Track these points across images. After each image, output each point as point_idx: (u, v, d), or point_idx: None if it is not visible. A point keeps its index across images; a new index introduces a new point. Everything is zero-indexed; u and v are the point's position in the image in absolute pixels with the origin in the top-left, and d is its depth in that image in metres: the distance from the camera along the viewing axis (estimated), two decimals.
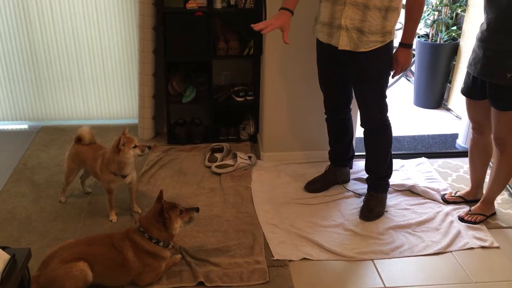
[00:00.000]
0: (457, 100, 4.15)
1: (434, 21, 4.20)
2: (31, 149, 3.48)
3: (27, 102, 3.77)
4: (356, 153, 3.15)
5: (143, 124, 3.61)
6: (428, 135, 3.80)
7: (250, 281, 2.27)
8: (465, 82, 2.61)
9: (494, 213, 2.78)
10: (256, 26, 2.32)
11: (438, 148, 3.62)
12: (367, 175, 2.87)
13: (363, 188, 2.99)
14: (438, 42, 4.18)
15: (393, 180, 2.95)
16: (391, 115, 2.70)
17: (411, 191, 3.01)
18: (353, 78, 2.61)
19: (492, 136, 2.59)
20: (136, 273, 2.20)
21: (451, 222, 2.72)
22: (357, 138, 3.27)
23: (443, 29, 4.17)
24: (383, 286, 2.29)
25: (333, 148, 3.04)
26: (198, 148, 3.51)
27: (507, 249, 2.54)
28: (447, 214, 2.78)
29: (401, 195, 2.98)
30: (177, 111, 3.67)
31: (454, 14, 4.19)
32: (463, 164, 3.32)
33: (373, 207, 2.77)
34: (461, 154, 3.44)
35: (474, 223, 2.70)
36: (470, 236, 2.61)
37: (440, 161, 3.39)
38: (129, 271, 2.18)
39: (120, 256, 2.16)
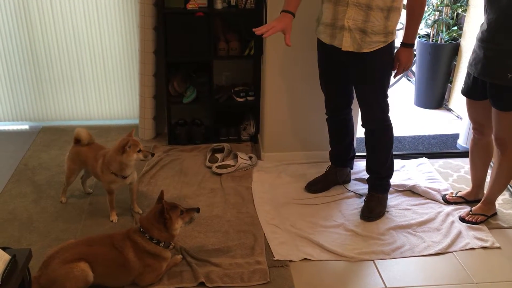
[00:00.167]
0: (458, 100, 4.14)
1: (435, 21, 4.20)
2: (32, 149, 3.49)
3: (28, 102, 3.77)
4: (357, 154, 3.15)
5: (144, 125, 3.61)
6: (429, 135, 3.80)
7: (250, 282, 2.27)
8: (466, 83, 2.61)
9: (495, 214, 2.78)
10: (258, 30, 2.32)
11: (439, 148, 3.62)
12: (368, 176, 2.87)
13: (364, 188, 2.99)
14: (439, 42, 4.18)
15: (394, 180, 2.95)
16: (392, 115, 2.70)
17: (412, 191, 3.01)
18: (355, 78, 2.61)
19: (492, 136, 2.59)
20: (136, 274, 2.20)
21: (452, 222, 2.72)
22: (358, 138, 3.27)
23: (444, 29, 4.17)
24: (384, 286, 2.29)
25: (334, 149, 3.04)
26: (199, 148, 3.51)
27: (508, 249, 2.54)
28: (448, 215, 2.78)
29: (402, 195, 2.98)
30: (178, 111, 3.68)
31: (455, 14, 4.19)
32: (464, 164, 3.31)
33: (374, 208, 2.77)
34: (462, 154, 3.43)
35: (475, 223, 2.70)
36: (471, 237, 2.60)
37: (441, 161, 3.39)
38: (129, 271, 2.18)
39: (121, 257, 2.16)
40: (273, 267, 2.37)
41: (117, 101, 3.83)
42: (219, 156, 3.33)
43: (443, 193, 2.97)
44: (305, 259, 2.44)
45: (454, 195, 2.93)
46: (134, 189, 2.75)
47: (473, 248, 2.53)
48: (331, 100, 2.85)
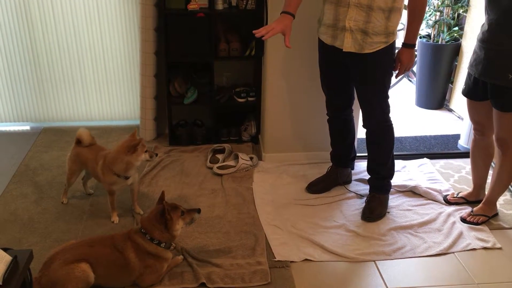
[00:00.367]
0: (459, 100, 4.14)
1: (436, 22, 4.19)
2: (33, 150, 3.49)
3: (29, 103, 3.77)
4: (358, 154, 3.15)
5: (145, 125, 3.61)
6: (430, 136, 3.80)
7: (251, 282, 2.27)
8: (466, 83, 2.61)
9: (496, 214, 2.77)
10: (258, 33, 2.33)
11: (440, 148, 3.61)
12: (369, 176, 2.87)
13: (365, 189, 2.99)
14: (440, 42, 4.18)
15: (395, 181, 2.95)
16: (393, 115, 2.70)
17: (413, 192, 3.01)
18: (356, 79, 2.61)
19: (493, 137, 2.59)
20: (137, 274, 2.20)
21: (453, 223, 2.71)
22: (359, 139, 3.27)
23: (445, 29, 4.17)
24: (385, 287, 2.29)
25: (335, 149, 3.04)
26: (200, 149, 3.51)
27: (509, 250, 2.53)
28: (449, 215, 2.78)
29: (403, 196, 2.98)
30: (179, 112, 3.68)
31: (456, 14, 4.18)
32: (465, 165, 3.31)
33: (375, 208, 2.77)
34: (463, 154, 3.43)
35: (476, 224, 2.69)
36: (472, 237, 2.60)
37: (442, 161, 3.39)
38: (130, 272, 2.18)
39: (122, 257, 2.16)
40: (274, 267, 2.37)
41: (118, 102, 3.83)
42: (220, 156, 3.33)
43: (444, 193, 2.97)
44: (306, 259, 2.44)
45: (455, 195, 2.93)
46: (135, 189, 2.75)
47: (474, 249, 2.53)
48: (332, 101, 2.85)
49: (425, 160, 3.39)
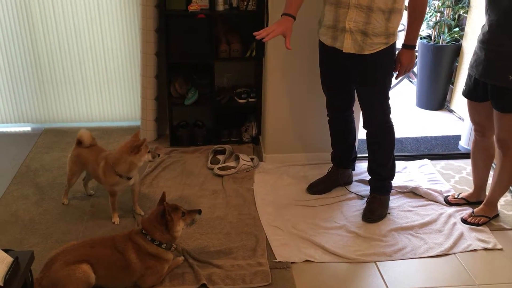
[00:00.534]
0: (460, 101, 4.14)
1: (436, 23, 4.19)
2: (34, 151, 3.49)
3: (30, 104, 3.78)
4: (358, 155, 3.15)
5: (146, 126, 3.62)
6: (431, 137, 3.80)
7: (252, 283, 2.27)
8: (467, 84, 2.61)
9: (497, 215, 2.77)
10: (258, 35, 2.33)
11: (441, 149, 3.61)
12: (370, 177, 2.87)
13: (365, 190, 2.99)
14: (440, 43, 4.18)
15: (396, 181, 2.95)
16: (394, 116, 2.70)
17: (413, 192, 3.01)
18: (357, 80, 2.61)
19: (494, 138, 2.59)
20: (138, 275, 2.20)
21: (454, 224, 2.71)
22: (359, 139, 3.27)
23: (446, 30, 4.17)
24: None
25: (335, 150, 3.04)
26: (201, 150, 3.51)
27: (510, 251, 2.53)
28: (450, 216, 2.78)
29: (404, 197, 2.98)
30: (180, 113, 3.68)
31: (457, 15, 4.18)
32: (466, 165, 3.31)
33: (376, 209, 2.77)
34: (464, 155, 3.43)
35: (477, 225, 2.69)
36: (473, 238, 2.60)
37: (442, 162, 3.38)
38: (131, 273, 2.18)
39: (123, 258, 2.16)
40: (274, 268, 2.37)
41: (118, 102, 3.83)
42: (220, 157, 3.33)
43: (445, 194, 2.97)
44: (306, 260, 2.44)
45: (456, 196, 2.93)
46: (136, 190, 2.76)
47: (475, 250, 2.53)
48: (333, 102, 2.85)
49: (426, 161, 3.39)
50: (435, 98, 4.33)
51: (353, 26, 2.38)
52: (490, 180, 2.81)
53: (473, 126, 2.73)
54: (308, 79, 3.08)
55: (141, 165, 2.59)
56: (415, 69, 4.50)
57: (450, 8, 4.15)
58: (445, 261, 2.46)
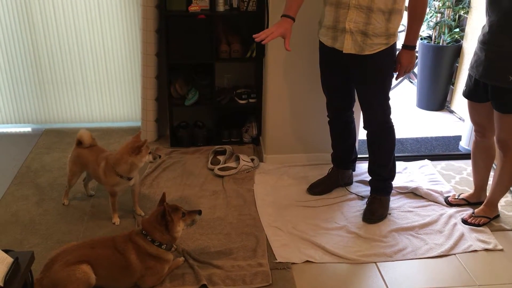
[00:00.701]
0: (460, 102, 4.14)
1: (436, 23, 4.19)
2: (34, 152, 3.49)
3: (31, 105, 3.78)
4: (359, 155, 3.15)
5: (146, 127, 3.62)
6: (431, 137, 3.80)
7: (253, 284, 2.27)
8: (467, 85, 2.60)
9: (498, 216, 2.77)
10: (258, 37, 2.33)
11: (441, 150, 3.61)
12: (370, 178, 2.87)
13: (366, 190, 2.99)
14: (441, 44, 4.18)
15: (396, 182, 2.95)
16: (394, 117, 2.70)
17: (414, 193, 3.01)
18: (357, 80, 2.61)
19: (494, 138, 2.58)
20: (139, 276, 2.20)
21: (455, 224, 2.71)
22: (360, 140, 3.27)
23: (446, 31, 4.17)
24: None
25: (336, 151, 3.04)
26: (201, 150, 3.51)
27: (511, 251, 2.53)
28: (450, 217, 2.77)
29: (404, 197, 2.98)
30: (180, 113, 3.68)
31: (457, 16, 4.18)
32: (466, 166, 3.31)
33: (376, 210, 2.77)
34: (464, 156, 3.43)
35: (478, 225, 2.69)
36: (474, 239, 2.60)
37: (443, 163, 3.38)
38: (132, 273, 2.18)
39: (123, 259, 2.16)
40: (275, 269, 2.37)
41: (119, 103, 3.83)
42: (221, 158, 3.33)
43: (446, 195, 2.97)
44: (307, 261, 2.44)
45: (456, 197, 2.93)
46: (136, 191, 2.76)
47: (475, 250, 2.53)
48: (333, 103, 2.85)
49: (426, 161, 3.39)
50: (436, 99, 4.33)
51: (353, 27, 2.38)
52: (490, 181, 2.80)
53: (473, 127, 2.73)
54: (308, 79, 3.08)
55: (141, 166, 2.59)
56: (416, 70, 4.50)
57: (451, 9, 4.15)
58: (445, 261, 2.46)
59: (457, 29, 4.15)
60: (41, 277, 2.07)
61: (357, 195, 2.99)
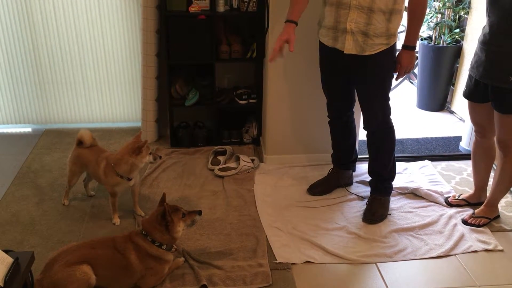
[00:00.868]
0: (461, 102, 4.14)
1: (437, 24, 4.19)
2: (34, 152, 3.49)
3: (31, 105, 3.78)
4: (359, 156, 3.15)
5: (146, 127, 3.62)
6: (432, 138, 3.80)
7: (253, 284, 2.27)
8: (467, 85, 2.60)
9: (498, 216, 2.77)
10: (271, 59, 2.47)
11: (442, 150, 3.61)
12: (370, 178, 2.87)
13: (366, 191, 2.99)
14: (441, 44, 4.18)
15: (396, 183, 2.95)
16: (394, 117, 2.70)
17: (414, 194, 3.01)
18: (357, 80, 2.61)
19: (495, 139, 2.58)
20: (139, 276, 2.20)
21: (455, 225, 2.71)
22: (360, 140, 3.27)
23: (446, 31, 4.17)
24: None
25: (336, 151, 3.04)
26: (201, 151, 3.51)
27: (511, 252, 2.53)
28: (450, 217, 2.77)
29: (405, 198, 2.98)
30: (180, 114, 3.68)
31: (457, 16, 4.18)
32: (467, 167, 3.31)
33: (376, 210, 2.77)
34: (465, 156, 3.43)
35: (478, 226, 2.69)
36: (474, 239, 2.60)
37: (443, 163, 3.38)
38: (132, 274, 2.18)
39: (123, 259, 2.16)
40: (275, 269, 2.37)
41: (119, 103, 3.84)
42: (221, 158, 3.33)
43: (446, 195, 2.97)
44: (307, 261, 2.44)
45: (456, 197, 2.93)
46: (136, 191, 2.76)
47: (475, 251, 2.53)
48: (333, 103, 2.85)
49: (427, 162, 3.39)
50: (436, 99, 4.33)
51: (354, 27, 2.39)
52: (490, 181, 2.80)
53: (473, 127, 2.73)
54: (308, 80, 3.08)
55: (142, 166, 2.59)
56: (416, 70, 4.50)
57: (451, 9, 4.15)
58: (445, 262, 2.46)
59: (457, 30, 4.15)
60: (41, 277, 2.07)
61: (357, 195, 2.99)
